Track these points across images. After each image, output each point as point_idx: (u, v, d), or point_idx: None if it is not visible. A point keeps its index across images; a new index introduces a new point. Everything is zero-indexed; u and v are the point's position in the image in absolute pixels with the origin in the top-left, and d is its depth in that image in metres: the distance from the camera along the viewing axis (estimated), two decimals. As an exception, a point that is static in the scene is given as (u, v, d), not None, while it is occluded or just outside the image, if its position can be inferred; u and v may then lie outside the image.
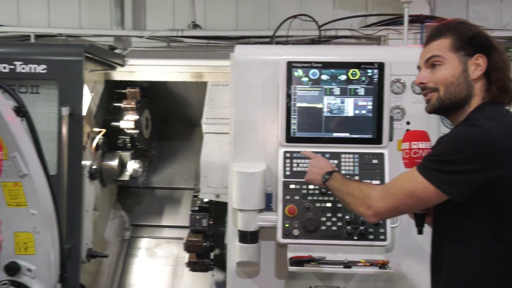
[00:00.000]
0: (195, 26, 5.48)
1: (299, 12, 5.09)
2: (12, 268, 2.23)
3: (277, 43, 4.85)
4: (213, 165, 3.09)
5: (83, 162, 3.04)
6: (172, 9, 5.55)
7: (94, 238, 3.33)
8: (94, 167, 3.19)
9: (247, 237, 2.68)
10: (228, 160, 2.92)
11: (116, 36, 5.53)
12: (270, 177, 2.71)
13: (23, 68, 2.91)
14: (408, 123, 2.78)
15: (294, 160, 2.64)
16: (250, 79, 2.78)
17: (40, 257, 2.24)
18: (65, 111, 2.85)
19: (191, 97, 4.04)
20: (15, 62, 2.91)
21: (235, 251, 2.75)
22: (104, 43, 5.17)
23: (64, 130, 2.86)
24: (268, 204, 2.69)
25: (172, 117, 4.28)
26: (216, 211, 3.46)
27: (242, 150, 2.79)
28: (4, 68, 2.91)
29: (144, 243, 4.06)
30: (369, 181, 2.49)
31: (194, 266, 3.49)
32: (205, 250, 3.41)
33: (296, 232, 2.57)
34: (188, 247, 3.37)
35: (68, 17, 5.63)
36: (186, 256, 3.48)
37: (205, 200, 3.34)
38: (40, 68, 2.90)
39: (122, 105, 3.67)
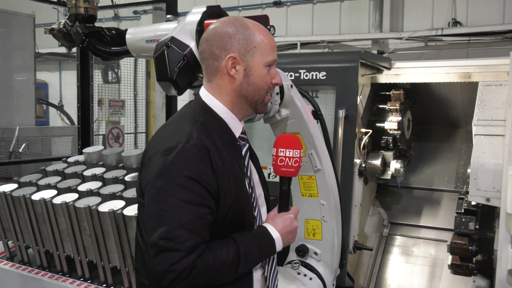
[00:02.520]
0: (456, 23, 5.30)
1: None
2: (302, 250, 2.54)
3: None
4: (484, 168, 2.99)
5: (354, 160, 3.26)
6: (431, 8, 5.47)
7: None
8: (362, 165, 3.42)
9: (522, 244, 2.57)
10: (501, 163, 2.82)
11: (374, 39, 5.71)
12: (552, 183, 2.54)
13: (306, 76, 3.24)
14: None
15: None
16: (532, 79, 2.64)
17: (326, 243, 2.50)
18: (341, 113, 3.10)
19: (453, 97, 3.97)
20: (300, 71, 3.26)
21: (507, 257, 2.64)
22: (362, 47, 5.42)
23: (340, 130, 3.10)
24: (548, 212, 2.53)
25: (433, 118, 4.25)
26: (482, 215, 3.35)
27: (519, 154, 2.67)
28: (291, 76, 3.27)
29: (401, 241, 4.11)
30: None
31: (456, 269, 3.44)
32: (470, 254, 3.33)
33: None
34: (453, 249, 3.34)
35: (329, 25, 6.03)
36: (448, 258, 3.46)
37: (473, 203, 3.26)
38: (321, 75, 3.19)
39: (386, 106, 3.80)
